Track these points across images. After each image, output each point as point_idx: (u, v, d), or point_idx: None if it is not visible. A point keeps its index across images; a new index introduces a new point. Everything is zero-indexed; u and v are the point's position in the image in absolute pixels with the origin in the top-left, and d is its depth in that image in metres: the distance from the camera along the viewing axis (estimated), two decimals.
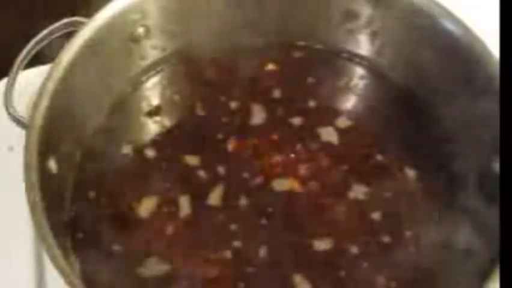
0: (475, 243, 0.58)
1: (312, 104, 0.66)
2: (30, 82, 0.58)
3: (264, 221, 0.59)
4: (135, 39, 0.65)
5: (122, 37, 0.64)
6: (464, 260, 0.57)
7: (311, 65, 0.69)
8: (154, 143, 0.64)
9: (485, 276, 0.50)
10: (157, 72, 0.68)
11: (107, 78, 0.64)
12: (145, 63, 0.67)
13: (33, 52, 0.60)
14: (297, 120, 0.65)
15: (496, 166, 0.57)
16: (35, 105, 0.56)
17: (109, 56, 0.63)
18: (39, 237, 0.51)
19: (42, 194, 0.52)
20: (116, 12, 0.62)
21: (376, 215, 0.60)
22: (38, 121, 0.55)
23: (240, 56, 0.69)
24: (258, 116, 0.65)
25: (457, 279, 0.56)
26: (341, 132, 0.65)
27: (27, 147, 0.54)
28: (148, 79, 0.68)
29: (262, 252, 0.58)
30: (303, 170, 0.62)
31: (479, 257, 0.56)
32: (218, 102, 0.66)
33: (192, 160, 0.62)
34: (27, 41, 0.60)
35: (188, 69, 0.69)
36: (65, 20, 0.61)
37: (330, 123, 0.65)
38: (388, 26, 0.66)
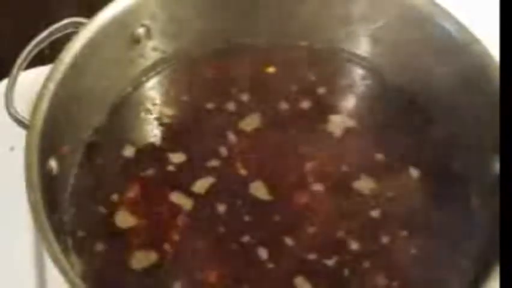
0: (475, 243, 0.58)
1: (312, 104, 0.66)
2: (31, 83, 0.58)
3: (264, 221, 0.59)
4: (135, 40, 0.65)
5: (122, 37, 0.64)
6: (464, 260, 0.57)
7: (311, 65, 0.69)
8: (155, 143, 0.64)
9: (485, 276, 0.50)
10: (158, 72, 0.68)
11: (108, 79, 0.64)
12: (145, 63, 0.67)
13: (34, 53, 0.60)
14: (297, 121, 0.65)
15: (496, 166, 0.57)
16: (36, 106, 0.56)
17: (109, 57, 0.63)
18: (40, 236, 0.51)
19: (43, 194, 0.52)
20: (116, 13, 0.62)
21: (376, 213, 0.60)
22: (39, 121, 0.55)
23: (240, 56, 0.69)
24: (257, 116, 0.65)
25: (457, 279, 0.56)
26: (342, 132, 0.65)
27: (27, 148, 0.54)
28: (148, 79, 0.68)
29: (263, 253, 0.58)
30: (304, 168, 0.62)
31: (479, 257, 0.56)
32: (218, 103, 0.66)
33: (188, 158, 0.63)
34: (28, 41, 0.60)
35: (189, 69, 0.69)
36: (66, 21, 0.61)
37: (331, 123, 0.65)
38: (388, 26, 0.66)
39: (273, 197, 0.60)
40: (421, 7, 0.63)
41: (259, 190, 0.61)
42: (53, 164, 0.57)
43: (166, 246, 0.58)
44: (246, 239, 0.58)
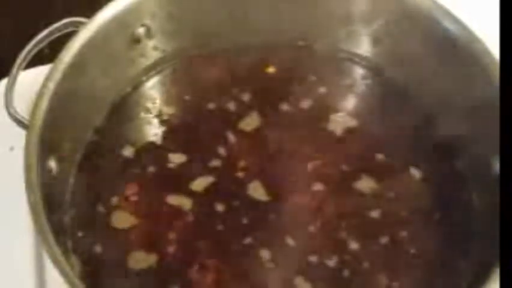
0: (475, 243, 0.58)
1: (312, 104, 0.66)
2: (30, 82, 0.58)
3: (264, 221, 0.59)
4: (135, 39, 0.65)
5: (122, 37, 0.64)
6: (464, 260, 0.57)
7: (311, 65, 0.69)
8: (155, 143, 0.64)
9: (485, 277, 0.50)
10: (158, 72, 0.68)
11: (108, 78, 0.64)
12: (145, 63, 0.67)
13: (33, 52, 0.60)
14: (297, 121, 0.65)
15: (496, 166, 0.57)
16: (36, 106, 0.56)
17: (109, 56, 0.63)
18: (40, 237, 0.51)
19: (43, 194, 0.52)
20: (116, 12, 0.62)
21: (377, 213, 0.60)
22: (39, 121, 0.55)
23: (240, 56, 0.69)
24: (257, 116, 0.65)
25: (457, 280, 0.56)
26: (343, 131, 0.65)
27: (27, 148, 0.54)
28: (148, 79, 0.68)
29: (263, 254, 0.58)
30: (305, 168, 0.62)
31: (479, 258, 0.56)
32: (218, 102, 0.66)
33: (187, 158, 0.63)
34: (28, 41, 0.60)
35: (189, 69, 0.69)
36: (65, 20, 0.61)
37: (332, 122, 0.65)
38: (388, 26, 0.66)
39: (272, 198, 0.60)
40: (422, 6, 0.63)
41: (257, 191, 0.61)
42: (52, 164, 0.57)
43: (165, 246, 0.58)
44: (245, 239, 0.58)
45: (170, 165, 0.62)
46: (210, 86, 0.67)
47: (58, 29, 0.61)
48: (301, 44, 0.70)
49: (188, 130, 0.65)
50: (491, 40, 0.59)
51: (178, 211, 0.60)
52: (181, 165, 0.62)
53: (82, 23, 0.61)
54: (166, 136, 0.64)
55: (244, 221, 0.59)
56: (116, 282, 0.57)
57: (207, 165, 0.62)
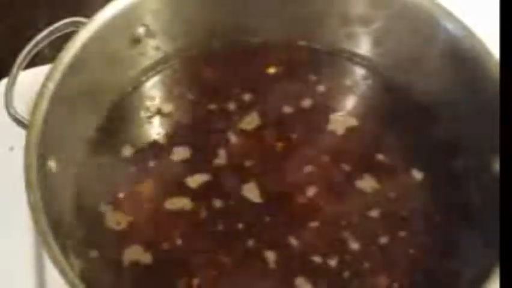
0: (475, 243, 0.58)
1: (312, 104, 0.66)
2: (30, 82, 0.58)
3: (263, 221, 0.59)
4: (135, 39, 0.65)
5: (122, 37, 0.64)
6: (464, 260, 0.57)
7: (311, 65, 0.69)
8: (154, 143, 0.64)
9: (485, 277, 0.50)
10: (157, 72, 0.68)
11: (107, 78, 0.64)
12: (145, 63, 0.67)
13: (33, 52, 0.60)
14: (298, 120, 0.65)
15: (496, 166, 0.57)
16: (36, 106, 0.56)
17: (109, 56, 0.63)
18: (40, 237, 0.51)
19: (43, 194, 0.52)
20: (116, 12, 0.62)
21: (377, 213, 0.60)
22: (38, 121, 0.55)
23: (240, 56, 0.69)
24: (257, 116, 0.65)
25: (457, 280, 0.56)
26: (344, 131, 0.65)
27: (27, 147, 0.54)
28: (148, 79, 0.68)
29: (265, 254, 0.58)
30: (306, 167, 0.62)
31: (479, 258, 0.56)
32: (218, 102, 0.66)
33: (188, 159, 0.63)
34: (28, 41, 0.60)
35: (188, 69, 0.69)
36: (65, 20, 0.61)
37: (333, 122, 0.65)
38: (388, 26, 0.66)
39: (267, 199, 0.60)
40: (422, 6, 0.63)
41: (252, 191, 0.61)
42: (52, 163, 0.57)
43: (165, 246, 0.58)
44: (246, 239, 0.58)
45: (170, 165, 0.62)
46: (210, 86, 0.67)
47: (58, 29, 0.61)
48: (301, 44, 0.70)
49: (188, 130, 0.65)
50: (491, 40, 0.59)
51: (177, 211, 0.60)
52: (182, 166, 0.62)
53: (82, 23, 0.61)
54: (166, 136, 0.64)
55: (243, 221, 0.59)
56: (115, 281, 0.57)
57: (207, 165, 0.62)
